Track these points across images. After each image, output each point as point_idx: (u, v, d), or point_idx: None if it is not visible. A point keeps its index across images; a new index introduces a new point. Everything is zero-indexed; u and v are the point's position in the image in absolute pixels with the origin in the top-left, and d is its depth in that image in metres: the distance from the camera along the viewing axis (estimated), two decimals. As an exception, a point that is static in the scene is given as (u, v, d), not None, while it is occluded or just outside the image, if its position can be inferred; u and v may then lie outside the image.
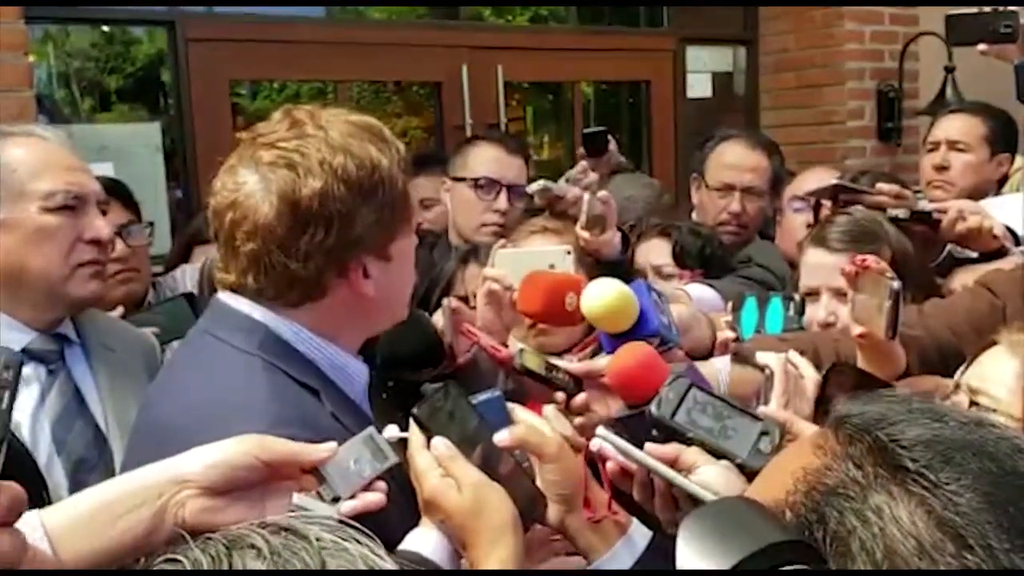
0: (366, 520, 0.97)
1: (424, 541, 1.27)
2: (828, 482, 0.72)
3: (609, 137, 3.56)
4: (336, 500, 1.19)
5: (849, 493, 0.71)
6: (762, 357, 1.67)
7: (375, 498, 1.21)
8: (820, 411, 1.61)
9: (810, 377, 1.66)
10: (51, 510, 1.14)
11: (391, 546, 1.22)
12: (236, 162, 1.43)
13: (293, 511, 1.15)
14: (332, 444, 1.21)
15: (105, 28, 5.27)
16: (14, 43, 3.33)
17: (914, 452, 0.71)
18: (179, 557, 0.76)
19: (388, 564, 0.78)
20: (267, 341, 1.43)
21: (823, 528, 0.70)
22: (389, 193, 1.41)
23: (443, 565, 1.27)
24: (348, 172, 1.37)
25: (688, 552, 0.69)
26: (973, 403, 1.50)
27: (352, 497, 1.20)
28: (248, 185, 1.39)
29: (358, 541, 0.78)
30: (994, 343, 1.53)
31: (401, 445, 1.29)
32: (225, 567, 0.74)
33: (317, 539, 0.76)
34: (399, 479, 1.29)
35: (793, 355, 1.71)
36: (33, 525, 1.09)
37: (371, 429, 1.26)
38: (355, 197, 1.38)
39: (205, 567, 0.74)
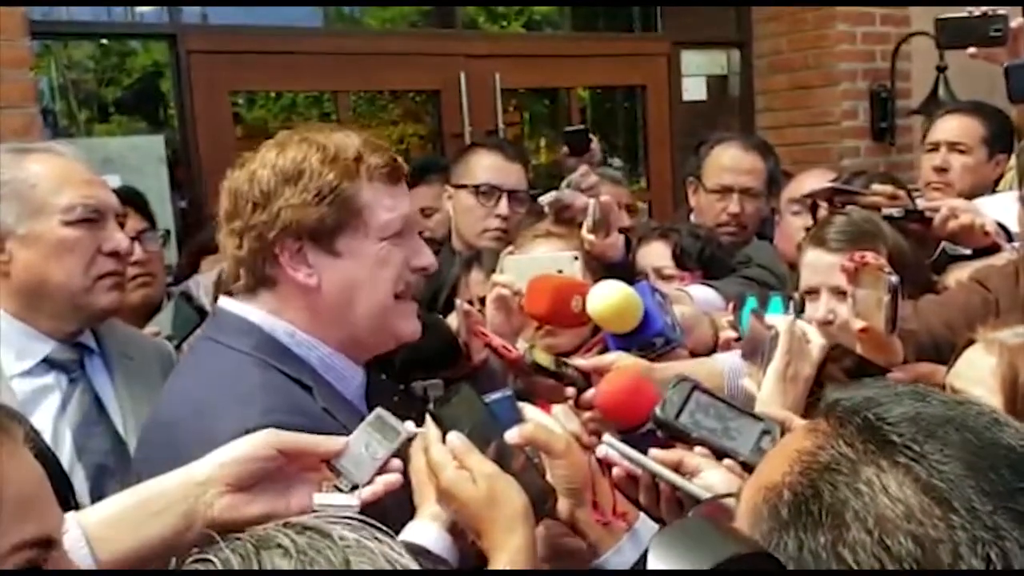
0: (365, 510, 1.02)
1: (425, 534, 1.31)
2: (822, 460, 0.78)
3: (591, 136, 3.59)
4: (355, 488, 1.25)
5: (842, 469, 0.76)
6: (771, 319, 1.71)
7: (392, 478, 1.27)
8: (812, 398, 1.64)
9: (816, 343, 1.69)
10: (87, 512, 1.20)
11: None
12: None
13: (316, 510, 1.20)
14: (344, 438, 1.27)
15: (104, 41, 5.31)
16: (19, 59, 3.37)
17: (900, 428, 0.77)
18: (210, 557, 0.80)
19: (408, 561, 0.82)
20: (262, 342, 1.53)
21: (819, 502, 0.76)
22: (316, 182, 1.50)
23: (443, 557, 1.31)
24: (275, 162, 1.53)
25: (659, 568, 0.75)
26: None
27: (370, 482, 1.25)
28: None
29: (379, 539, 0.82)
30: (972, 341, 1.56)
31: (408, 441, 1.34)
32: (254, 566, 0.78)
33: (340, 538, 0.80)
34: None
35: (801, 322, 1.75)
36: (70, 526, 1.15)
37: (379, 409, 1.32)
38: (277, 180, 1.51)
39: (235, 566, 0.78)
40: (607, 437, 1.42)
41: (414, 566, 0.81)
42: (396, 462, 1.29)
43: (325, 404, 1.50)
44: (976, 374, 1.52)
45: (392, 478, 1.27)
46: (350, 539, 0.80)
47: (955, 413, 0.78)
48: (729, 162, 3.12)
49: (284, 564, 0.77)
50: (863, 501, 0.74)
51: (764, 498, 0.80)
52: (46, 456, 1.70)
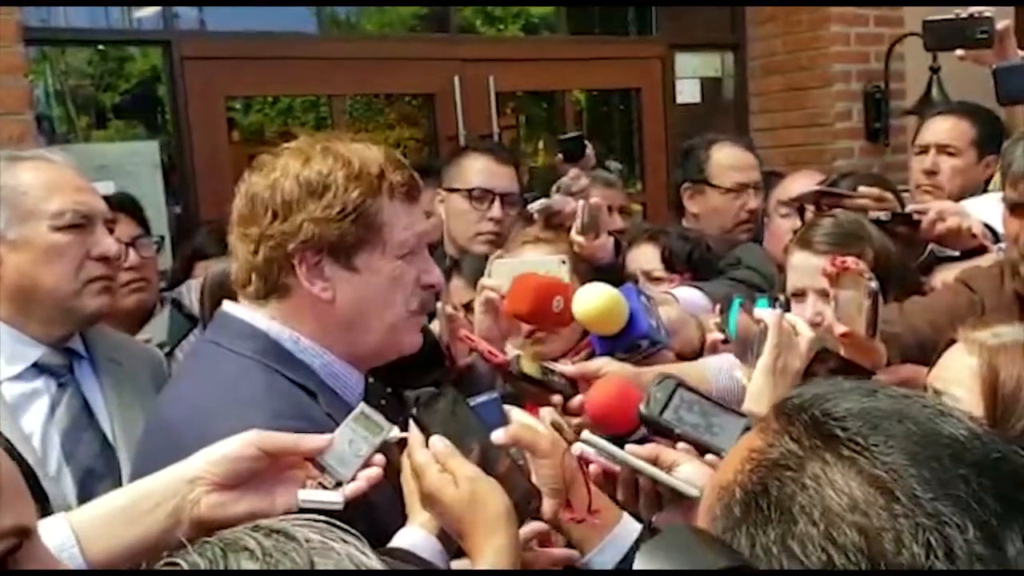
0: (357, 515, 1.03)
1: (416, 540, 1.33)
2: (771, 457, 0.80)
3: (585, 142, 3.61)
4: (340, 484, 1.26)
5: (789, 464, 0.78)
6: (759, 313, 1.72)
7: (373, 473, 1.29)
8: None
9: (805, 336, 1.70)
10: (77, 512, 1.22)
11: (382, 536, 1.29)
12: None
13: (302, 507, 1.22)
14: (328, 435, 1.29)
15: (100, 47, 5.32)
16: (14, 66, 3.38)
17: (846, 423, 0.78)
18: (177, 560, 0.81)
19: (374, 562, 0.83)
20: (266, 347, 1.53)
21: (767, 498, 0.78)
22: (341, 198, 1.50)
23: (434, 562, 1.33)
24: (299, 172, 1.51)
25: None
26: None
27: (354, 478, 1.27)
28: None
29: (345, 540, 0.83)
30: (953, 342, 1.57)
31: (398, 446, 1.36)
32: (221, 568, 0.79)
33: (306, 540, 0.81)
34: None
35: (789, 315, 1.76)
36: (60, 526, 1.16)
37: (362, 405, 1.34)
38: (301, 192, 1.50)
39: (202, 569, 0.79)
40: (585, 434, 1.43)
41: (379, 567, 0.81)
42: (379, 457, 1.31)
43: (329, 410, 1.50)
44: (956, 375, 1.52)
45: (373, 472, 1.29)
46: (316, 541, 0.81)
47: (900, 406, 0.80)
48: (735, 161, 3.14)
49: (251, 566, 0.78)
50: (809, 495, 0.76)
51: (719, 497, 0.81)
52: (13, 455, 1.72)
